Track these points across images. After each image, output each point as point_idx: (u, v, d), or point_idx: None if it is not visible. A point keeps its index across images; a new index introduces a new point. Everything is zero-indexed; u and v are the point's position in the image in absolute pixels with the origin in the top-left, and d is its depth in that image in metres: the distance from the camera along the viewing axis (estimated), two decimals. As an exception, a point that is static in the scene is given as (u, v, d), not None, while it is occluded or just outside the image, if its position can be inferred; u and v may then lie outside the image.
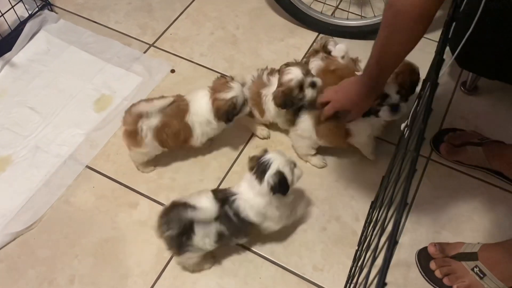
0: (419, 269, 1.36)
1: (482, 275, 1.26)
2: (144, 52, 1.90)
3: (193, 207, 1.16)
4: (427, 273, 1.34)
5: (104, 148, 1.62)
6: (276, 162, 1.17)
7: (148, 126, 1.38)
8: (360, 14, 1.95)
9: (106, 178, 1.55)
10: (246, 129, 1.66)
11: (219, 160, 1.59)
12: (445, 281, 1.30)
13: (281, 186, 1.17)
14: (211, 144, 1.60)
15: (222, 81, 1.42)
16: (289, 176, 1.18)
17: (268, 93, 1.49)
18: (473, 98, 1.75)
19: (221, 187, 1.52)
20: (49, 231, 1.43)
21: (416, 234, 1.43)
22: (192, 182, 1.54)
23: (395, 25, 1.01)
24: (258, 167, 1.18)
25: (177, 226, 1.16)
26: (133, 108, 1.39)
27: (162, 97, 1.44)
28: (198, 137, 1.46)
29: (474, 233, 1.43)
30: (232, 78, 1.44)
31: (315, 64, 1.54)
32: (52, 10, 2.00)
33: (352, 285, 1.04)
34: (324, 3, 1.98)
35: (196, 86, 1.77)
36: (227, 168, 1.57)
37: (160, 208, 1.45)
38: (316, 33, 1.95)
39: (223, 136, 1.63)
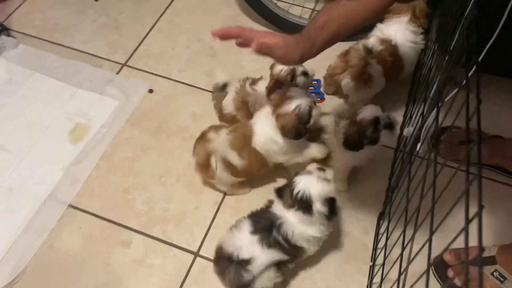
0: (436, 279, 1.31)
1: (502, 279, 1.22)
2: (117, 73, 1.77)
3: (241, 264, 1.10)
4: (446, 282, 1.29)
5: (86, 183, 1.48)
6: (315, 189, 1.08)
7: (217, 159, 1.29)
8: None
9: (93, 216, 1.42)
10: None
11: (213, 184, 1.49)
12: (466, 288, 1.25)
13: (333, 210, 1.10)
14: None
15: (280, 94, 1.28)
16: (334, 194, 1.11)
17: (255, 102, 1.45)
18: (464, 93, 1.71)
19: (220, 212, 1.43)
20: (35, 284, 1.29)
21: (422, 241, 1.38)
22: (188, 211, 1.43)
23: None
24: (299, 202, 1.09)
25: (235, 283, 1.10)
26: (205, 138, 1.31)
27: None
28: (277, 160, 1.34)
29: (485, 233, 1.39)
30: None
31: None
32: (9, 35, 1.84)
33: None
34: (303, 7, 1.91)
35: (179, 105, 1.67)
36: (223, 191, 1.47)
37: (156, 244, 1.37)
38: (297, 38, 1.88)
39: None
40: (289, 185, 1.11)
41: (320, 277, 1.31)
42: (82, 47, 1.85)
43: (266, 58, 1.84)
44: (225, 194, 1.46)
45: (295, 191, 1.09)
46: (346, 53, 1.50)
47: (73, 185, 1.48)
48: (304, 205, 1.09)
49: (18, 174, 1.49)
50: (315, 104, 1.25)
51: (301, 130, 1.22)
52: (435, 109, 1.12)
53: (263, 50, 1.01)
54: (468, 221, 0.62)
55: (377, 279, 1.22)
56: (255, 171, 1.33)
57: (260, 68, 1.78)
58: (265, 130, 1.27)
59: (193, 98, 1.70)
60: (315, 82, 1.71)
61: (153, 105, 1.68)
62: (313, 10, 1.96)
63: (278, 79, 1.38)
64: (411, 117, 1.48)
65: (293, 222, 1.12)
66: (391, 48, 1.51)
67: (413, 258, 0.94)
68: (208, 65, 1.80)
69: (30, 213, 1.40)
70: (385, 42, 1.51)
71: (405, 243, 1.08)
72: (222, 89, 1.52)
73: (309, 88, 1.71)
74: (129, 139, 1.59)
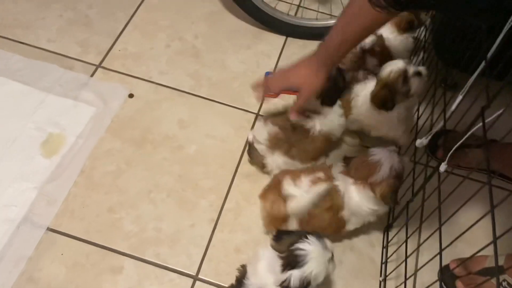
0: (445, 291, 1.28)
1: (511, 289, 1.21)
2: (91, 76, 1.60)
3: None
4: (454, 292, 1.27)
5: (65, 203, 1.33)
6: (313, 264, 0.97)
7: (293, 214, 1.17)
8: (329, 13, 1.80)
9: (76, 240, 1.27)
10: (231, 156, 1.47)
11: (208, 199, 1.38)
12: (475, 300, 1.23)
13: None
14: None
15: (361, 160, 1.18)
16: (317, 280, 1.01)
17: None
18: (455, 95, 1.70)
19: (217, 230, 1.33)
20: (15, 323, 1.14)
21: (432, 252, 1.35)
22: (182, 230, 1.32)
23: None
24: (290, 258, 0.99)
25: None
26: (279, 188, 1.17)
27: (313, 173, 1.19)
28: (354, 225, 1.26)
29: (489, 240, 1.38)
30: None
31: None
32: (-38, 32, 1.61)
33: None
34: (291, 4, 1.81)
35: (163, 111, 1.54)
36: (219, 206, 1.37)
37: (150, 268, 1.25)
38: (284, 37, 1.78)
39: (208, 169, 1.43)
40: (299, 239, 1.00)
41: (329, 297, 1.25)
42: (49, 45, 1.66)
43: (252, 58, 1.75)
44: (221, 210, 1.36)
45: (298, 246, 0.99)
46: None
47: (50, 205, 1.31)
48: (289, 260, 0.99)
49: (-17, 196, 1.31)
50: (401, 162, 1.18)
51: (398, 189, 1.17)
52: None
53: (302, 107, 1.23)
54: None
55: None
56: (331, 232, 1.24)
57: (248, 69, 1.69)
58: (360, 205, 1.18)
59: (178, 103, 1.57)
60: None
61: (135, 111, 1.53)
62: (299, 6, 1.87)
63: (387, 83, 1.26)
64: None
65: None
66: (379, 40, 1.51)
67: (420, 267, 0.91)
68: (191, 66, 1.67)
69: (2, 240, 1.23)
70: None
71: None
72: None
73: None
74: (110, 150, 1.44)
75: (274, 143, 1.32)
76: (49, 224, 1.28)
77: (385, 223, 1.37)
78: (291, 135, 1.31)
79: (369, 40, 1.48)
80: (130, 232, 1.30)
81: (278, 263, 1.00)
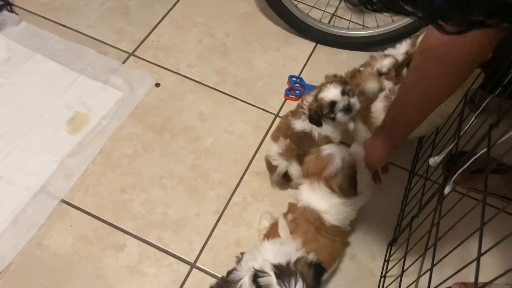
0: (444, 312, 1.24)
1: (514, 320, 1.16)
2: (123, 62, 1.67)
3: None
4: (454, 316, 1.23)
5: (81, 178, 1.39)
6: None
7: None
8: (362, 24, 1.80)
9: (86, 214, 1.33)
10: (245, 152, 1.49)
11: (217, 191, 1.40)
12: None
13: None
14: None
15: (313, 156, 1.17)
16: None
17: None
18: (483, 118, 1.65)
19: (221, 222, 1.35)
20: (19, 283, 1.20)
21: (435, 273, 1.32)
22: (187, 218, 1.35)
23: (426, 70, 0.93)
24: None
25: None
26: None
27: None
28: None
29: (496, 268, 1.33)
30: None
31: None
32: (12, 11, 1.72)
33: None
34: (324, 11, 1.82)
35: (186, 103, 1.59)
36: (226, 199, 1.39)
37: (151, 250, 1.28)
38: (314, 43, 1.79)
39: (221, 162, 1.46)
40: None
41: (322, 302, 1.24)
42: (88, 31, 1.75)
43: (279, 61, 1.75)
44: (227, 203, 1.38)
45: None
46: (351, 76, 1.40)
47: (67, 179, 1.38)
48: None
49: (8, 162, 1.39)
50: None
51: (355, 178, 1.14)
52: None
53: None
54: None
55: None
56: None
57: (274, 71, 1.71)
58: (324, 203, 1.15)
59: (201, 96, 1.61)
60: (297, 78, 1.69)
61: (159, 100, 1.59)
62: (333, 15, 1.87)
63: (317, 106, 1.26)
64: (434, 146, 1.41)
65: None
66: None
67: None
68: (218, 63, 1.71)
69: (19, 206, 1.31)
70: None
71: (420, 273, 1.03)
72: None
73: (297, 85, 1.67)
74: (130, 134, 1.50)
75: (288, 154, 1.33)
76: (63, 196, 1.35)
77: (390, 237, 1.35)
78: (301, 143, 1.32)
79: (387, 63, 1.39)
80: (138, 214, 1.34)
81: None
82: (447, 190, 0.98)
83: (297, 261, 0.94)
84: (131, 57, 1.69)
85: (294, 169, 1.33)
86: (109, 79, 1.61)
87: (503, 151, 1.45)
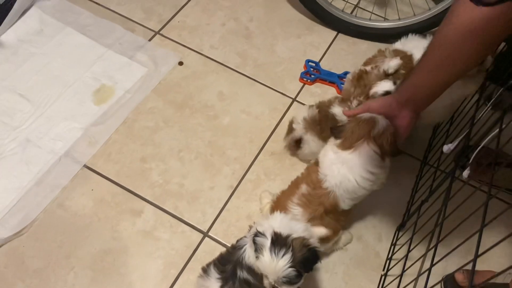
0: (445, 298, 1.28)
1: (514, 308, 1.18)
2: (149, 40, 1.73)
3: None
4: (454, 302, 1.26)
5: (104, 146, 1.46)
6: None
7: None
8: (383, 16, 1.83)
9: (107, 180, 1.39)
10: (260, 133, 1.54)
11: (232, 167, 1.46)
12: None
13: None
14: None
15: (355, 122, 1.14)
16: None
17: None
18: (498, 114, 1.67)
19: (234, 197, 1.40)
20: (41, 239, 1.27)
21: (439, 257, 1.35)
22: (202, 190, 1.40)
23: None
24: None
25: None
26: None
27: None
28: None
29: (501, 259, 1.36)
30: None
31: None
32: (46, -15, 1.80)
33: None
34: (347, 2, 1.85)
35: (207, 82, 1.64)
36: (241, 176, 1.44)
37: (166, 217, 1.34)
38: (335, 32, 1.83)
39: (237, 140, 1.51)
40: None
41: (326, 278, 1.28)
42: (117, 8, 1.81)
43: (300, 47, 1.77)
44: (241, 179, 1.44)
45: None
46: (358, 77, 1.37)
47: (91, 146, 1.45)
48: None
49: (36, 127, 1.46)
50: None
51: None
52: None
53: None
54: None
55: (387, 289, 1.20)
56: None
57: (294, 57, 1.75)
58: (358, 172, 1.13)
59: (222, 77, 1.67)
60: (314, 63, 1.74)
61: (181, 78, 1.64)
62: (356, 6, 1.90)
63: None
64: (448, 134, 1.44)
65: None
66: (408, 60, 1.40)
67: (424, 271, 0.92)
68: (241, 46, 1.76)
69: (44, 168, 1.38)
70: (404, 57, 1.40)
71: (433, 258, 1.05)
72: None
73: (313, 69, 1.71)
74: (152, 108, 1.56)
75: (310, 124, 1.37)
76: (86, 162, 1.42)
77: (398, 222, 1.38)
78: (325, 120, 1.36)
79: (394, 64, 1.36)
80: (156, 183, 1.40)
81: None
82: (465, 173, 1.00)
83: (297, 238, 0.98)
84: (157, 35, 1.75)
85: (307, 138, 1.37)
86: (135, 55, 1.67)
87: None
